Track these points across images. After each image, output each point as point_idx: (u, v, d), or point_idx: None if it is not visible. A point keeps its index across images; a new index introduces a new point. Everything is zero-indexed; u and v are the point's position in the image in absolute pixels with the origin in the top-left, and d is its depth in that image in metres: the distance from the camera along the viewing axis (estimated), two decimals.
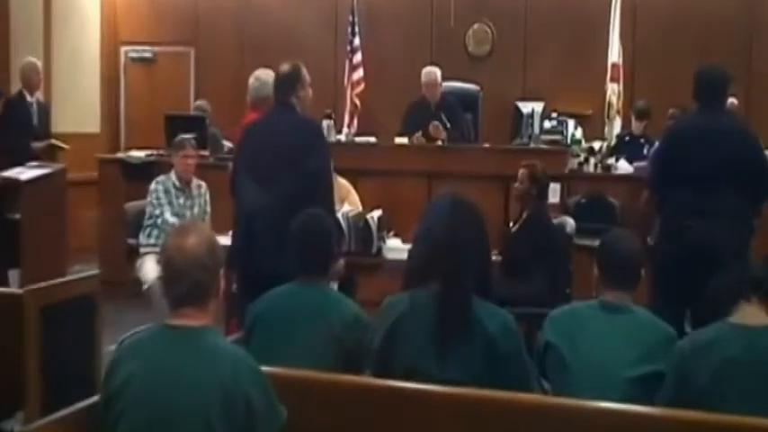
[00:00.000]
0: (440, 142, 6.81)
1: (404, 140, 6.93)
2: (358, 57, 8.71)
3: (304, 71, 4.32)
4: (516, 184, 5.12)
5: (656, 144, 6.38)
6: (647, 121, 7.47)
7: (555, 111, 7.93)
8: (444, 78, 7.30)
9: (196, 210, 5.87)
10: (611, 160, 7.08)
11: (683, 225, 4.42)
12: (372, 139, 7.15)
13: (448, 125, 6.84)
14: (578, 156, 7.03)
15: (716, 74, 4.59)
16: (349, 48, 8.79)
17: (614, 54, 8.14)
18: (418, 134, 6.89)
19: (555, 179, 5.82)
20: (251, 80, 5.09)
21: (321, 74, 8.18)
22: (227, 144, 7.76)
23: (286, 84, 4.29)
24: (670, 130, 4.77)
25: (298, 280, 3.19)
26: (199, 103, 8.55)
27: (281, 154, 4.09)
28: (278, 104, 4.29)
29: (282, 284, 3.20)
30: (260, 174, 4.14)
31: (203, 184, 5.95)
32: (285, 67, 4.31)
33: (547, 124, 7.37)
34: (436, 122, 6.69)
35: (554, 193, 5.88)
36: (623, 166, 6.97)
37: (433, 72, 7.15)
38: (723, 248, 4.16)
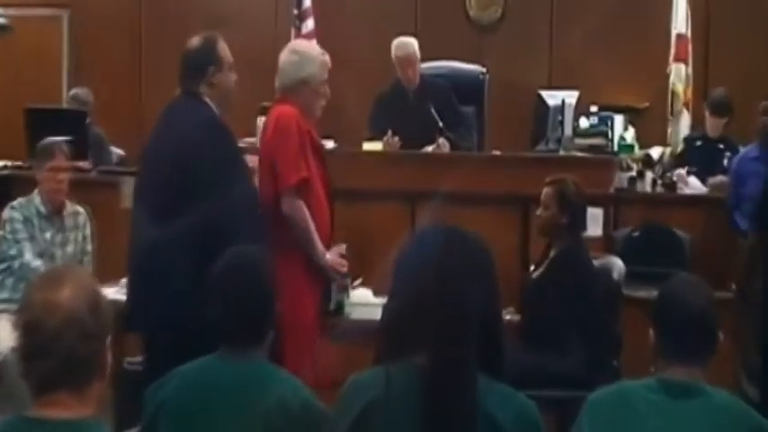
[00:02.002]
0: (429, 148, 6.95)
1: (376, 146, 7.01)
2: (309, 24, 8.80)
3: (222, 47, 4.50)
4: (539, 210, 5.23)
5: (743, 151, 6.63)
6: (727, 118, 7.55)
7: (595, 103, 7.94)
8: (434, 56, 7.36)
9: (71, 248, 5.90)
10: (677, 174, 7.15)
11: None
12: (330, 144, 7.14)
13: (440, 124, 6.94)
14: (630, 168, 7.07)
15: None
16: (296, 12, 8.84)
17: (680, 22, 8.24)
18: (388, 135, 7.03)
19: (596, 202, 5.88)
20: (285, 55, 5.18)
21: (256, 50, 8.23)
22: (117, 152, 7.75)
23: (192, 65, 4.45)
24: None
25: (221, 351, 3.23)
26: (76, 91, 8.59)
27: (174, 170, 4.26)
28: (181, 96, 4.49)
29: (198, 357, 3.24)
30: (150, 199, 4.32)
31: (81, 210, 6.00)
32: (194, 42, 4.49)
33: (584, 122, 7.36)
34: (442, 139, 6.85)
35: (594, 222, 5.94)
36: (694, 183, 7.07)
37: (408, 44, 7.25)
38: None
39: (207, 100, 4.45)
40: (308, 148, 4.90)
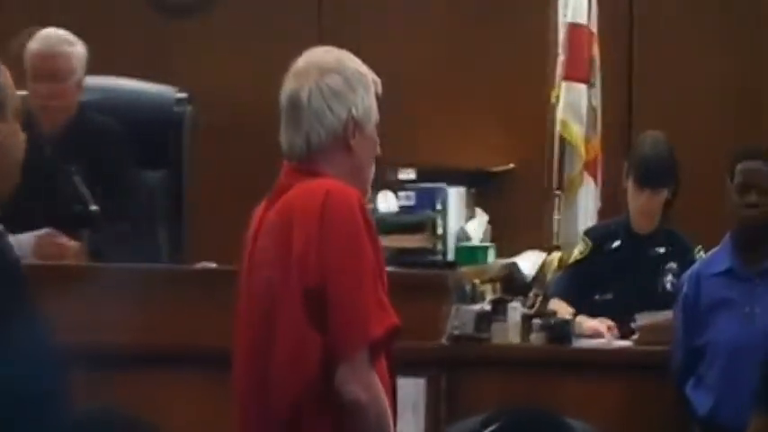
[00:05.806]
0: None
1: None
2: None
3: (5, 79, 3.66)
4: None
5: (702, 260, 5.94)
6: (667, 192, 6.28)
7: (410, 165, 6.82)
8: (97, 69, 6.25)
9: None
10: (567, 310, 6.23)
11: None
12: None
13: (92, 206, 5.78)
14: (479, 296, 6.07)
15: None
16: None
17: (576, 5, 6.86)
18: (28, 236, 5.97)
19: (410, 367, 5.05)
20: (313, 77, 3.97)
21: None
22: None
23: None
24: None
25: None
26: None
27: None
28: None
29: None
30: None
31: None
32: None
33: (388, 202, 6.46)
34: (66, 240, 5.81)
35: (408, 405, 5.40)
36: (605, 326, 6.16)
37: (52, 36, 6.09)
38: None
39: None
40: (382, 261, 3.90)
